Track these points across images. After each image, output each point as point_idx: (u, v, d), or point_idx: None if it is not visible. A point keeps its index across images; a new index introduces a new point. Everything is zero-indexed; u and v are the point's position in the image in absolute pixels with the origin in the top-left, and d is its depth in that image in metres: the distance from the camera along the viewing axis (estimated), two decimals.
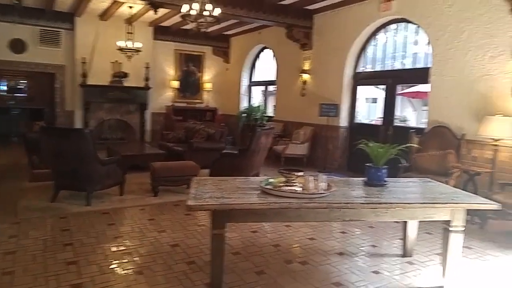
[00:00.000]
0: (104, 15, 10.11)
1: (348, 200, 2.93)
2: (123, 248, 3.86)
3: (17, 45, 9.94)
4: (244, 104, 12.24)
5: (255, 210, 2.82)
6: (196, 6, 5.72)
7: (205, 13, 5.84)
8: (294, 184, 3.13)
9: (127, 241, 4.05)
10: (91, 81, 10.47)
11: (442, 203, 2.97)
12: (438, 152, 5.71)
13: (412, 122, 14.79)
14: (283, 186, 3.11)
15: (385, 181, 3.49)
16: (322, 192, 3.02)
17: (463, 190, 4.24)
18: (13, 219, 4.56)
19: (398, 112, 11.52)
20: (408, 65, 7.39)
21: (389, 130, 7.47)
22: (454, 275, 3.10)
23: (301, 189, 3.08)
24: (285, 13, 8.63)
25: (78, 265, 3.39)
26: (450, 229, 3.05)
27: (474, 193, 4.44)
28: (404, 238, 3.81)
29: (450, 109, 6.17)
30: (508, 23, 5.42)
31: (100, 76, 10.59)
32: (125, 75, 10.84)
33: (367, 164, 3.52)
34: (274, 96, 11.27)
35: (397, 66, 7.59)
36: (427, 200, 3.05)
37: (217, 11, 6.01)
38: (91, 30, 10.43)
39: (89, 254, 3.65)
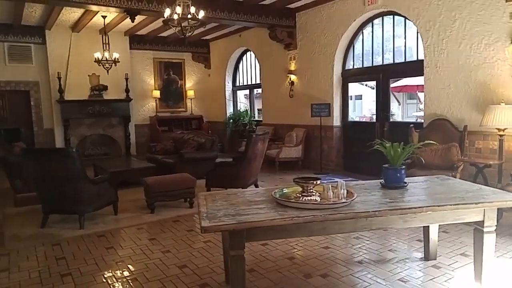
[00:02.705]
0: (76, 26, 9.67)
1: (375, 207, 2.68)
2: (127, 274, 3.53)
3: None
4: (229, 110, 11.94)
5: (276, 227, 2.53)
6: (179, 9, 5.41)
7: (188, 16, 5.54)
8: (312, 193, 2.86)
9: (130, 265, 3.71)
10: (68, 96, 9.98)
11: (474, 203, 2.75)
12: (441, 146, 5.54)
13: (398, 117, 14.80)
14: (300, 196, 2.83)
15: (405, 182, 3.26)
16: (344, 200, 2.76)
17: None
18: (1, 250, 4.17)
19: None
20: (400, 59, 7.24)
21: (385, 127, 7.31)
22: (490, 278, 2.89)
23: (319, 198, 2.82)
24: (267, 13, 8.40)
25: None
26: (484, 229, 2.83)
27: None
28: (426, 241, 3.58)
29: (448, 101, 6.03)
30: (501, 9, 5.30)
31: (78, 90, 10.12)
32: (104, 88, 10.39)
33: (385, 166, 3.28)
34: (260, 99, 11.02)
35: (388, 60, 7.44)
36: (457, 200, 2.82)
37: (201, 14, 5.72)
38: (63, 43, 9.98)
39: (91, 284, 3.32)
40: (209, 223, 2.43)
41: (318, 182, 2.89)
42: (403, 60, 7.16)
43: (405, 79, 11.06)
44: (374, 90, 7.93)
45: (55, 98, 9.96)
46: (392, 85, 12.79)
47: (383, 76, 7.42)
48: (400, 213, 2.67)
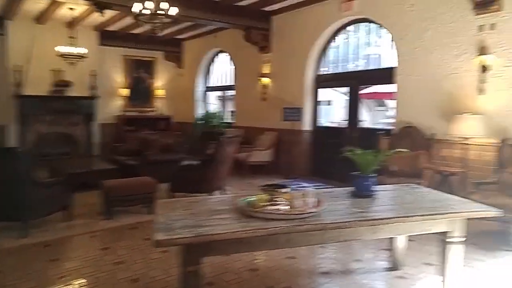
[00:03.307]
0: (41, 18, 9.13)
1: (344, 218, 2.54)
2: None
3: None
4: (200, 111, 11.67)
5: (238, 239, 2.34)
6: (150, 4, 5.14)
7: (160, 12, 5.28)
8: (279, 202, 2.69)
9: (76, 280, 3.35)
10: (27, 91, 9.39)
11: (442, 214, 2.68)
12: (409, 153, 5.51)
13: (367, 123, 14.97)
14: (267, 205, 2.65)
15: (374, 191, 3.15)
16: (313, 210, 2.60)
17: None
18: None
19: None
20: (372, 66, 7.24)
21: (354, 133, 7.28)
22: None
23: (287, 207, 2.65)
24: (242, 14, 8.26)
25: None
26: (450, 240, 2.77)
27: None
28: (392, 250, 3.49)
29: (418, 109, 6.05)
30: (471, 22, 5.38)
31: (38, 85, 9.51)
32: (68, 83, 9.87)
33: (354, 173, 3.16)
34: (232, 101, 10.82)
35: (360, 67, 7.43)
36: (425, 211, 2.73)
37: (174, 11, 5.47)
38: (26, 34, 9.38)
39: None
40: (164, 236, 2.20)
41: (287, 190, 2.72)
42: (375, 67, 7.16)
43: (374, 86, 11.17)
44: (344, 96, 7.92)
45: (12, 93, 9.34)
46: (362, 91, 12.98)
47: (355, 82, 7.40)
48: (369, 224, 2.55)
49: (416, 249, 3.97)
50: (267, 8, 8.36)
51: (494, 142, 4.98)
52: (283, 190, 2.69)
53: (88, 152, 10.28)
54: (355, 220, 2.50)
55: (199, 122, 10.95)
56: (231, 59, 10.44)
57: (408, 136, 5.91)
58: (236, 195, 3.12)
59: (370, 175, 3.11)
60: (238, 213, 2.63)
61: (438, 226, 2.78)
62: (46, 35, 9.50)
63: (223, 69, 11.21)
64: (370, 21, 6.99)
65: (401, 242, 3.47)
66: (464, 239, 2.82)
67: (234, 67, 10.30)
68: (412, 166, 5.52)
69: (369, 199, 3.04)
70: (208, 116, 10.88)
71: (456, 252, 2.82)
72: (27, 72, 9.40)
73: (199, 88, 11.76)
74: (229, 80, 10.76)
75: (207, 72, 11.78)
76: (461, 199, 3.15)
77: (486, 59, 5.19)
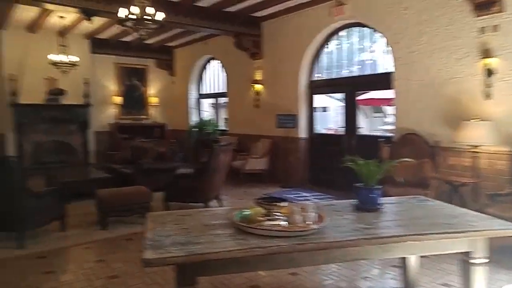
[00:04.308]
0: (33, 26, 9.01)
1: (349, 235, 2.33)
2: None
3: None
4: (194, 118, 11.51)
5: (235, 259, 2.14)
6: (135, 10, 4.96)
7: (146, 18, 5.10)
8: (277, 217, 2.49)
9: None
10: (22, 99, 9.19)
11: (463, 232, 2.42)
12: (413, 162, 5.31)
13: (365, 130, 14.81)
14: (264, 221, 2.46)
15: (379, 204, 2.95)
16: (315, 226, 2.40)
17: (449, 204, 3.82)
18: None
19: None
20: (367, 71, 7.09)
21: (352, 140, 7.10)
22: None
23: (286, 223, 2.46)
24: (232, 21, 8.12)
25: None
26: (474, 262, 2.51)
27: (463, 207, 4.02)
28: (403, 268, 3.21)
29: (419, 115, 5.85)
30: (470, 24, 5.19)
31: (32, 94, 9.34)
32: (62, 92, 9.69)
33: (357, 184, 2.96)
34: (225, 109, 10.65)
35: (355, 72, 7.28)
36: (442, 228, 2.47)
37: (160, 16, 5.30)
38: (19, 43, 9.22)
39: None
40: (153, 255, 2.01)
41: (285, 204, 2.53)
42: (370, 73, 7.00)
43: (370, 92, 11.03)
44: (340, 102, 7.77)
45: (7, 102, 9.11)
46: (357, 98, 12.84)
47: (351, 88, 7.24)
48: (379, 243, 2.32)
49: (430, 267, 3.68)
50: (257, 14, 8.23)
51: (506, 150, 4.70)
52: (281, 204, 2.49)
53: (84, 161, 10.09)
54: (363, 238, 2.28)
55: (193, 129, 10.78)
56: (222, 66, 10.30)
57: (409, 143, 5.70)
58: (232, 208, 2.92)
59: (375, 186, 2.92)
60: (233, 228, 2.43)
61: (458, 245, 2.52)
62: (38, 44, 9.38)
63: (215, 76, 11.06)
64: (363, 26, 6.84)
65: (414, 259, 3.15)
66: (487, 260, 2.54)
67: (225, 74, 10.14)
68: (417, 175, 5.25)
69: (375, 213, 2.82)
70: (202, 124, 10.72)
71: (479, 274, 2.53)
72: (22, 81, 9.20)
73: (192, 95, 11.62)
74: (222, 87, 10.60)
75: (200, 79, 11.62)
76: (480, 215, 2.85)
77: (491, 62, 4.94)
